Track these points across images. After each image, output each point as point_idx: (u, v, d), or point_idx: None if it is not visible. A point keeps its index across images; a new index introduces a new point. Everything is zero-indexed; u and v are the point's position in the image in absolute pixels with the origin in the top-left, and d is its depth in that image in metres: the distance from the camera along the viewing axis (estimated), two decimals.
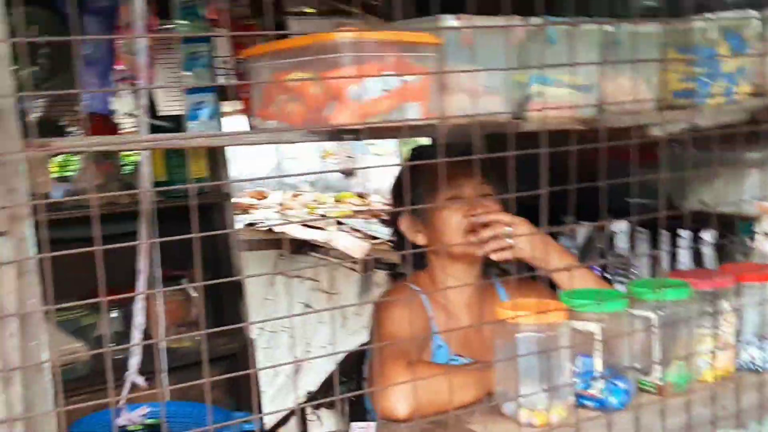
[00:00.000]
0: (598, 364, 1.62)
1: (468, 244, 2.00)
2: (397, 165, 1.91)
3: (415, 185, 2.02)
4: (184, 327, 3.26)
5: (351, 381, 2.44)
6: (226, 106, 3.63)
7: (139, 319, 1.68)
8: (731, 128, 1.77)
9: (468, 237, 2.02)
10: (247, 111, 3.38)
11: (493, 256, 2.00)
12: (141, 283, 1.62)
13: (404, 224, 2.17)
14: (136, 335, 1.68)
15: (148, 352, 1.71)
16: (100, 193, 3.10)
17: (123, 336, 2.97)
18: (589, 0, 2.33)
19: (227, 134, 1.24)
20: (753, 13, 1.83)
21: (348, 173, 7.59)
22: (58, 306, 1.05)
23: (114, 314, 3.05)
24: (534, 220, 1.88)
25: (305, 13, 4.26)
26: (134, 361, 1.70)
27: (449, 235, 2.05)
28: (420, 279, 2.16)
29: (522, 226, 1.96)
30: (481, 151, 1.57)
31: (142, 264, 1.60)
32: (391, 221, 2.27)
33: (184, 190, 3.09)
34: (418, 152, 2.24)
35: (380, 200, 6.92)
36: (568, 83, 1.58)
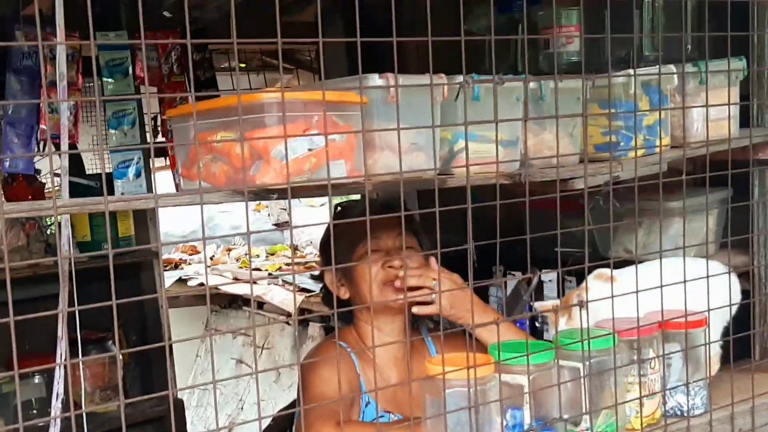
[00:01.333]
0: (527, 417, 1.62)
1: (393, 299, 2.00)
2: (323, 223, 1.90)
3: (338, 240, 2.02)
4: (109, 390, 3.19)
5: None
6: (154, 162, 3.61)
7: (59, 387, 1.63)
8: (652, 179, 1.81)
9: (385, 289, 2.02)
10: (173, 166, 3.36)
11: (414, 309, 2.00)
12: (60, 351, 1.57)
13: (328, 279, 2.16)
14: (56, 405, 1.63)
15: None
16: (22, 255, 3.03)
17: (47, 402, 2.89)
18: (515, 56, 2.40)
19: (148, 197, 1.22)
20: (671, 67, 1.89)
21: (281, 225, 7.56)
22: None
23: (37, 380, 2.97)
24: (463, 270, 1.90)
25: (235, 69, 4.28)
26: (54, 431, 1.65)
27: (367, 288, 2.04)
28: (347, 335, 2.15)
29: (446, 280, 1.96)
30: (401, 204, 1.59)
31: (61, 331, 1.56)
32: (320, 276, 2.26)
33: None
34: (342, 207, 2.25)
35: (314, 252, 6.89)
36: (493, 139, 1.60)
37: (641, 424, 1.80)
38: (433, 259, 2.01)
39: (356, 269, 2.05)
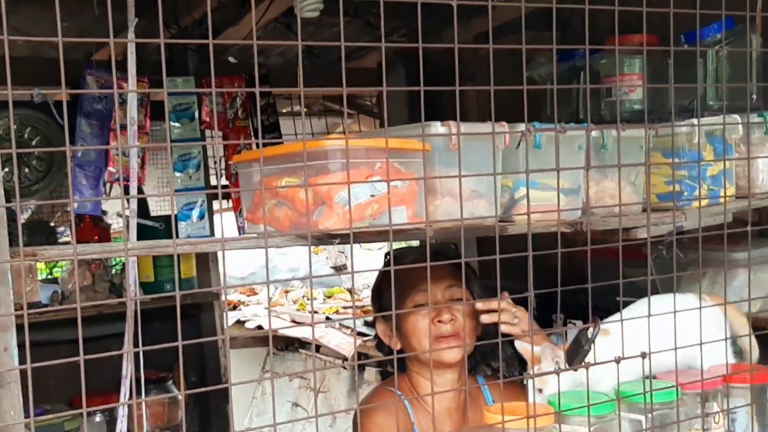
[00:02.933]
0: None
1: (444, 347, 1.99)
2: (377, 269, 1.90)
3: (389, 289, 2.02)
4: (168, 430, 3.22)
5: None
6: (217, 204, 3.67)
7: (122, 426, 1.65)
8: (716, 230, 1.79)
9: (437, 343, 2.00)
10: (236, 209, 3.42)
11: (503, 328, 1.97)
12: (123, 390, 1.60)
13: (379, 329, 2.16)
14: None
15: None
16: (87, 294, 3.09)
17: None
18: (577, 104, 2.40)
19: (215, 240, 1.25)
20: (736, 117, 1.87)
21: (339, 268, 7.60)
22: (38, 419, 1.04)
23: (98, 419, 3.01)
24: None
25: (298, 114, 4.34)
26: None
27: (416, 340, 2.03)
28: (401, 383, 2.14)
29: (523, 314, 1.96)
30: (454, 254, 1.59)
31: (125, 369, 1.59)
32: (373, 323, 2.26)
33: (170, 289, 3.09)
34: (394, 256, 2.24)
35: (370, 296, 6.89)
36: (554, 187, 1.60)
37: None
38: (506, 293, 1.98)
39: (406, 322, 2.04)
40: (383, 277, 1.82)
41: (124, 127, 1.96)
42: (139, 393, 2.20)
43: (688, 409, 1.74)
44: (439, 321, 2.02)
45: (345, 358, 5.68)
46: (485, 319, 1.97)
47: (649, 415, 1.65)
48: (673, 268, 1.71)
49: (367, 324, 5.51)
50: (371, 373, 5.55)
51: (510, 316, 1.93)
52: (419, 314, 2.01)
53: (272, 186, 1.41)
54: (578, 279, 1.60)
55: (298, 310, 6.39)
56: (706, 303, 1.81)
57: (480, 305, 1.96)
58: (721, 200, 1.85)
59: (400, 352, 2.11)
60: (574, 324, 2.79)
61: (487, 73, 1.41)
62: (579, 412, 1.59)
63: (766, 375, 1.84)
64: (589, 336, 1.69)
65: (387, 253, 2.27)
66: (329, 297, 6.96)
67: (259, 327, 6.03)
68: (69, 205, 2.92)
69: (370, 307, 6.57)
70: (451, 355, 2.01)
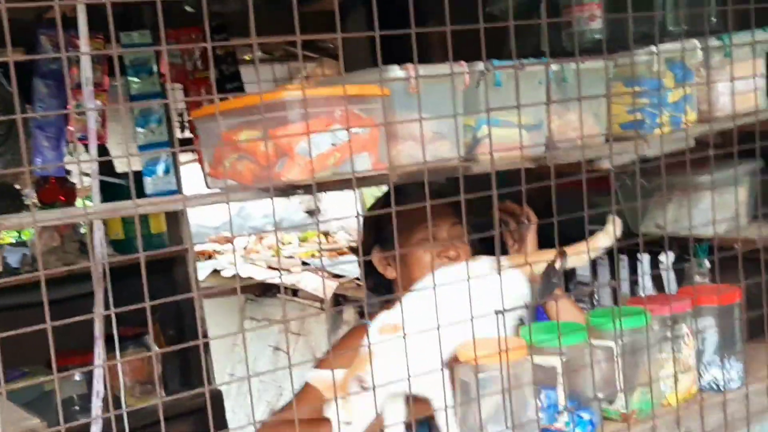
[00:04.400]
0: (561, 398, 1.63)
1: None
2: (352, 216, 1.90)
3: (390, 220, 2.03)
4: (149, 384, 3.24)
5: None
6: (183, 156, 3.64)
7: (98, 386, 1.66)
8: (679, 155, 1.80)
9: None
10: (201, 161, 3.39)
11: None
12: (97, 351, 1.60)
13: (376, 257, 2.18)
14: (96, 403, 1.66)
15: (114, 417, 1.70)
16: (57, 255, 3.07)
17: (89, 398, 2.94)
18: (539, 37, 2.39)
19: (176, 199, 1.24)
20: (695, 42, 1.88)
21: (312, 212, 7.60)
22: (10, 387, 1.04)
23: (78, 377, 3.02)
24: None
25: (259, 61, 4.28)
26: (96, 430, 1.68)
27: (420, 272, 2.06)
28: None
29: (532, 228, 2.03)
30: (452, 193, 1.60)
31: (98, 332, 1.59)
32: (364, 252, 2.27)
33: (142, 245, 3.08)
34: (396, 188, 2.26)
35: (346, 237, 6.92)
36: (516, 123, 1.60)
37: (677, 399, 1.80)
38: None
39: (410, 252, 2.07)
40: (386, 207, 1.83)
41: (80, 87, 1.93)
42: (114, 351, 2.20)
43: (658, 333, 1.78)
44: (445, 256, 2.05)
45: (322, 301, 5.73)
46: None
47: (620, 341, 1.69)
48: (637, 195, 1.73)
49: (353, 250, 5.52)
50: (350, 314, 5.60)
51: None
52: (425, 248, 2.05)
53: (232, 140, 1.39)
54: (548, 211, 1.61)
55: (273, 256, 6.41)
56: (505, 266, 1.68)
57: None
58: (683, 126, 1.86)
59: (388, 282, 2.14)
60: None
61: (450, 10, 1.40)
62: (550, 343, 1.62)
63: (732, 295, 1.87)
64: (558, 268, 1.72)
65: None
66: (304, 241, 6.98)
67: (235, 276, 6.06)
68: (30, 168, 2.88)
69: (345, 249, 6.56)
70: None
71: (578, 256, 1.76)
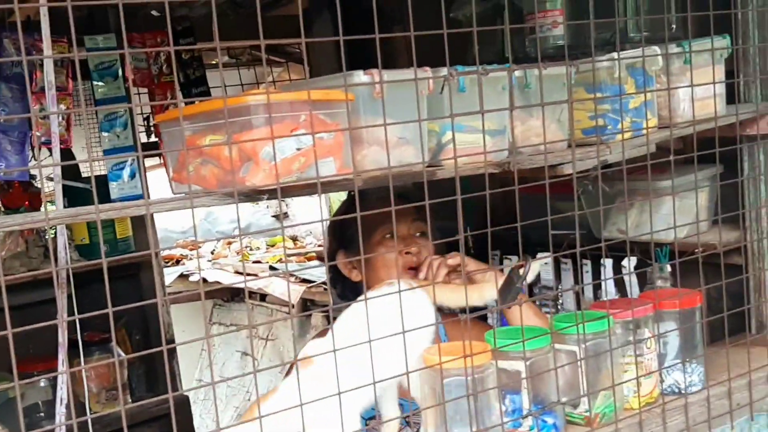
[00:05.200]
0: (526, 402, 1.65)
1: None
2: (321, 221, 1.90)
3: (352, 223, 2.05)
4: (115, 390, 3.22)
5: None
6: (149, 161, 3.61)
7: (62, 393, 1.65)
8: (641, 161, 1.83)
9: (405, 274, 2.05)
10: (166, 165, 3.37)
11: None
12: (61, 357, 1.59)
13: (340, 261, 2.19)
14: (60, 410, 1.65)
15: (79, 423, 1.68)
16: (22, 260, 3.04)
17: (54, 404, 2.91)
18: (502, 42, 2.41)
19: (139, 203, 1.24)
20: (656, 49, 1.90)
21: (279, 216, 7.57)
22: None
23: (42, 383, 2.99)
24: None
25: (225, 65, 4.27)
26: None
27: (385, 271, 2.08)
28: None
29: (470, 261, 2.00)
30: (413, 193, 1.60)
31: (61, 337, 1.58)
32: (328, 259, 2.29)
33: (107, 250, 3.06)
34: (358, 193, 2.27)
35: (313, 242, 6.91)
36: (480, 129, 1.62)
37: (639, 403, 1.82)
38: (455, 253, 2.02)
39: (373, 253, 2.09)
40: (348, 212, 1.84)
41: (44, 90, 1.91)
42: (79, 357, 2.19)
43: (621, 338, 1.80)
44: (407, 252, 2.08)
45: (291, 306, 5.72)
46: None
47: (583, 346, 1.70)
48: (599, 201, 1.75)
49: (320, 258, 5.52)
50: (318, 318, 5.60)
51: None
52: (387, 246, 2.09)
53: (196, 145, 1.39)
54: (513, 215, 1.63)
55: (240, 260, 6.38)
56: (412, 292, 1.64)
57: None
58: (644, 132, 1.89)
59: (355, 285, 2.16)
60: (510, 260, 2.84)
61: (414, 16, 1.41)
62: (515, 347, 1.63)
63: (693, 299, 1.90)
64: (521, 274, 1.73)
65: (350, 191, 2.30)
66: (272, 246, 6.96)
67: (204, 280, 6.03)
68: None
69: (314, 253, 6.56)
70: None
71: (481, 293, 1.77)
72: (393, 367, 1.54)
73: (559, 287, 2.78)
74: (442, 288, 1.75)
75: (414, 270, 2.10)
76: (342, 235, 2.19)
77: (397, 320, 1.50)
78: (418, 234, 2.15)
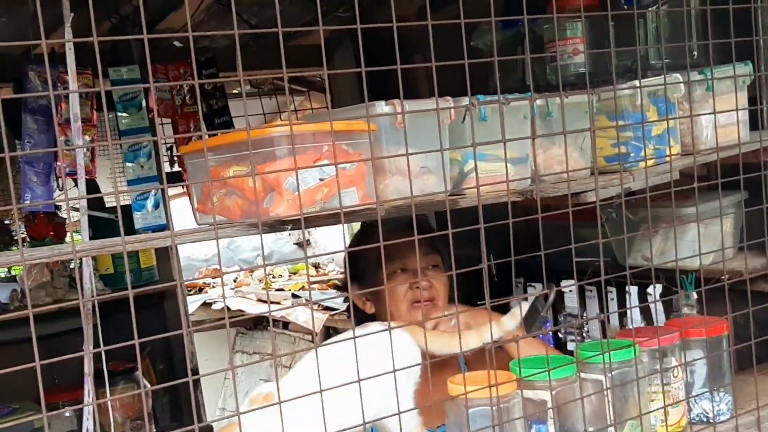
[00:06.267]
0: (552, 431, 1.63)
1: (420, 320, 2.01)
2: (343, 251, 1.88)
3: (364, 256, 2.05)
4: (140, 420, 3.22)
5: None
6: (173, 190, 3.63)
7: (88, 424, 1.66)
8: (664, 188, 1.82)
9: (413, 309, 2.04)
10: (190, 195, 3.39)
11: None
12: (87, 388, 1.60)
13: (354, 294, 2.19)
14: None
15: None
16: (47, 290, 3.06)
17: None
18: (523, 71, 2.41)
19: (165, 235, 1.25)
20: (677, 76, 1.90)
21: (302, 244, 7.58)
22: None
23: (68, 414, 3.00)
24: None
25: (247, 95, 4.30)
26: None
27: (395, 305, 2.07)
28: None
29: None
30: (425, 224, 1.60)
31: (87, 368, 1.59)
32: (345, 288, 2.31)
33: (131, 280, 3.07)
34: (368, 224, 2.28)
35: (335, 269, 6.91)
36: (502, 157, 1.62)
37: None
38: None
39: (385, 287, 2.08)
40: (360, 244, 1.84)
41: (69, 122, 1.94)
42: (104, 387, 2.20)
43: (647, 366, 1.79)
44: (416, 287, 2.07)
45: (314, 333, 5.70)
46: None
47: (609, 375, 1.69)
48: (623, 229, 1.74)
49: (338, 288, 5.52)
50: None
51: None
52: (398, 280, 2.08)
53: (220, 176, 1.40)
54: (537, 242, 1.62)
55: (263, 289, 6.38)
56: (398, 336, 1.59)
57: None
58: (667, 159, 1.88)
59: (372, 317, 2.15)
60: (534, 287, 2.83)
61: (435, 44, 1.42)
62: (540, 376, 1.62)
63: (720, 327, 1.88)
64: (546, 302, 1.72)
65: (363, 222, 2.30)
66: (294, 273, 6.96)
67: (227, 308, 6.03)
68: (18, 204, 2.88)
69: (336, 281, 6.56)
70: (428, 321, 2.04)
71: (480, 337, 1.72)
72: (366, 409, 1.43)
73: (585, 315, 2.76)
74: (435, 336, 1.72)
75: (426, 303, 2.08)
76: (354, 267, 2.19)
77: (371, 362, 1.44)
78: (430, 267, 2.14)
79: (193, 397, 1.27)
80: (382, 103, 1.51)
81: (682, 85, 1.89)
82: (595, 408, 1.70)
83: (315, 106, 4.72)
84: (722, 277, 1.89)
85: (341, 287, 2.95)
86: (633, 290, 2.50)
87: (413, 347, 1.67)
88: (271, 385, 1.47)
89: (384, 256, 2.04)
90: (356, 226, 5.53)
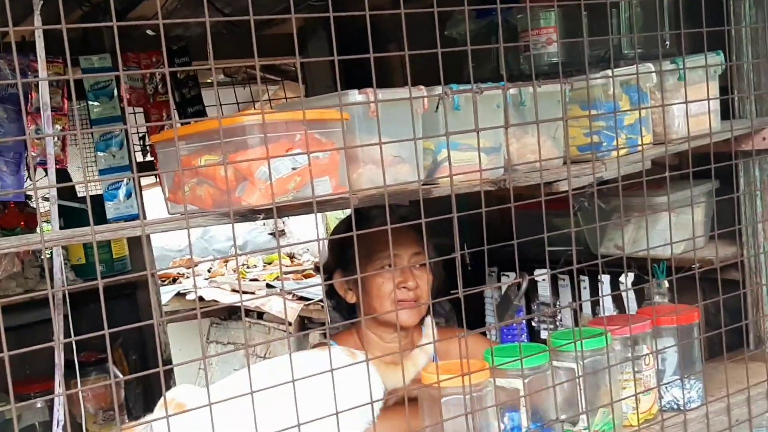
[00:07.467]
0: (525, 419, 1.64)
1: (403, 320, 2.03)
2: (315, 240, 1.84)
3: (352, 245, 2.03)
4: (112, 411, 3.20)
5: None
6: (146, 180, 3.61)
7: (59, 414, 1.64)
8: (636, 177, 1.83)
9: (397, 305, 2.03)
10: (161, 185, 3.37)
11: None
12: (58, 379, 1.58)
13: (336, 281, 2.18)
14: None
15: None
16: (18, 281, 3.04)
17: (51, 425, 2.90)
18: (497, 60, 2.41)
19: (135, 225, 1.24)
20: (650, 66, 1.91)
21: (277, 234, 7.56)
22: None
23: (39, 404, 2.97)
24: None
25: (220, 84, 4.28)
26: None
27: (379, 302, 2.06)
28: (347, 338, 2.16)
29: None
30: (415, 218, 1.60)
31: (58, 359, 1.57)
32: (325, 272, 2.27)
33: (103, 270, 3.05)
34: (362, 215, 2.26)
35: (310, 259, 6.90)
36: (475, 146, 1.62)
37: (638, 420, 1.82)
38: None
39: (371, 281, 2.06)
40: (349, 231, 1.83)
41: (39, 111, 1.91)
42: (76, 378, 2.18)
43: (619, 354, 1.80)
44: (403, 286, 2.05)
45: (289, 323, 5.69)
46: None
47: (581, 363, 1.70)
48: (596, 218, 1.75)
49: (317, 270, 5.50)
50: (315, 336, 5.57)
51: None
52: (385, 276, 2.05)
53: (191, 165, 1.39)
54: (510, 231, 1.62)
55: (237, 279, 6.36)
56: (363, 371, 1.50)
57: None
58: (639, 148, 1.89)
59: (351, 306, 2.15)
60: (508, 276, 2.84)
61: (409, 33, 1.42)
62: (513, 365, 1.63)
63: (691, 315, 1.90)
64: (519, 291, 1.73)
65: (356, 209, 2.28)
66: (269, 263, 6.94)
67: (201, 298, 6.00)
68: None
69: (310, 270, 6.52)
70: (411, 320, 2.07)
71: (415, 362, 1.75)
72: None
73: (558, 304, 2.77)
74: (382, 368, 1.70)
75: (411, 302, 2.07)
76: (341, 254, 2.18)
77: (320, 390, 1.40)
78: (417, 266, 2.11)
79: (165, 387, 1.26)
80: (355, 91, 1.50)
81: (654, 74, 1.90)
82: (567, 396, 1.72)
83: (289, 95, 4.70)
84: (693, 266, 1.91)
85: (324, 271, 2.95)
86: (605, 279, 2.51)
87: (377, 383, 1.61)
88: (183, 392, 1.46)
89: (374, 249, 2.03)
90: (331, 214, 5.53)
